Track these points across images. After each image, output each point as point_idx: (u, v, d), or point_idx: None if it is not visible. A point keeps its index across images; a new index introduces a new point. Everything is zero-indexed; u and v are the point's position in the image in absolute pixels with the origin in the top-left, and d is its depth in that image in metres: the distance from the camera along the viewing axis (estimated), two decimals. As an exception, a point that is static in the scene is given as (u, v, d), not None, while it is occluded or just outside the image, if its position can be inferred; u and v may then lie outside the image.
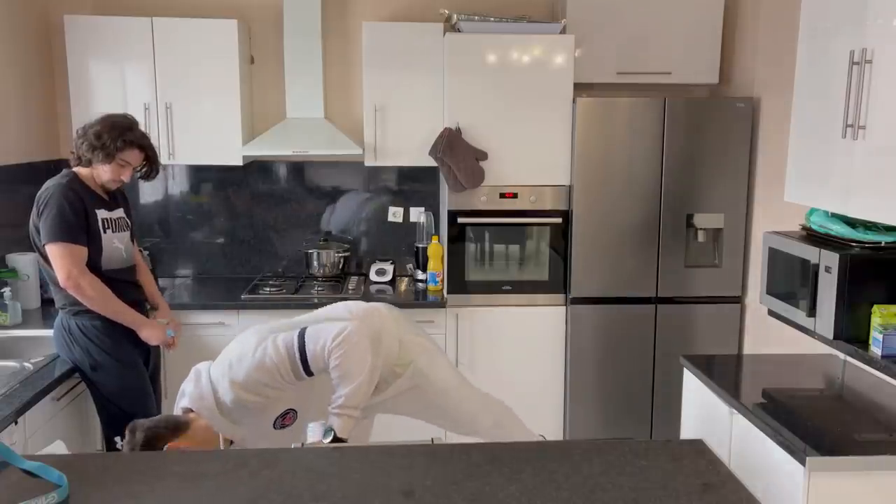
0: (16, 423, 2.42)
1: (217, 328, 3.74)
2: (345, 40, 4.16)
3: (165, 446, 2.12)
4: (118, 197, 2.95)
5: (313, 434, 2.18)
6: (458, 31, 3.77)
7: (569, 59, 3.71)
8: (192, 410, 2.25)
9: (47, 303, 3.69)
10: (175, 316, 3.16)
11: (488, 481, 1.77)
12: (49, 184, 2.76)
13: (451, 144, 3.68)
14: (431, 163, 3.78)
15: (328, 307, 2.57)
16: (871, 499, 2.11)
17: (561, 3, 3.94)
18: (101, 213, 2.79)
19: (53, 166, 4.03)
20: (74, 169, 2.81)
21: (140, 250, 3.16)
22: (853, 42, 2.35)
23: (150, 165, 2.90)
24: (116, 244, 2.83)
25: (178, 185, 4.27)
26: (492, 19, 3.79)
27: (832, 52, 2.48)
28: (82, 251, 2.69)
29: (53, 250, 2.66)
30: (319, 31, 3.99)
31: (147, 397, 2.84)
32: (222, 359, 2.29)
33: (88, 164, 2.78)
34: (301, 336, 2.28)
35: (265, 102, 4.19)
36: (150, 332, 2.84)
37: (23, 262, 3.55)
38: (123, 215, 2.92)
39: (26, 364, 2.80)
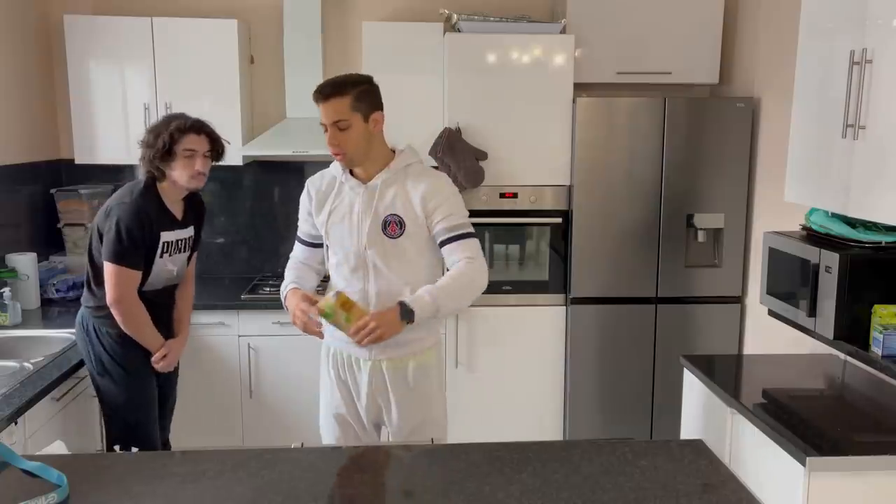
0: (16, 423, 2.42)
1: (217, 328, 3.74)
2: (345, 40, 4.16)
3: None
4: (192, 213, 2.87)
5: None
6: (458, 31, 3.77)
7: (569, 59, 3.71)
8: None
9: (47, 303, 3.69)
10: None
11: (488, 481, 1.77)
12: (124, 194, 2.69)
13: (451, 144, 3.68)
14: (431, 163, 3.78)
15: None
16: (871, 499, 2.11)
17: (561, 3, 3.94)
18: (167, 236, 2.73)
19: (53, 166, 4.04)
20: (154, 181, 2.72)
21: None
22: (853, 42, 2.35)
23: (214, 145, 2.77)
24: (169, 266, 2.79)
25: (178, 185, 4.26)
26: (492, 19, 3.78)
27: (832, 52, 2.48)
28: (137, 276, 2.68)
29: (110, 269, 2.65)
30: (319, 31, 3.99)
31: (149, 409, 2.81)
32: None
33: (163, 175, 2.70)
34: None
35: (265, 102, 4.19)
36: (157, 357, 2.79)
37: (23, 262, 3.55)
38: (191, 235, 2.86)
39: (26, 364, 2.80)
